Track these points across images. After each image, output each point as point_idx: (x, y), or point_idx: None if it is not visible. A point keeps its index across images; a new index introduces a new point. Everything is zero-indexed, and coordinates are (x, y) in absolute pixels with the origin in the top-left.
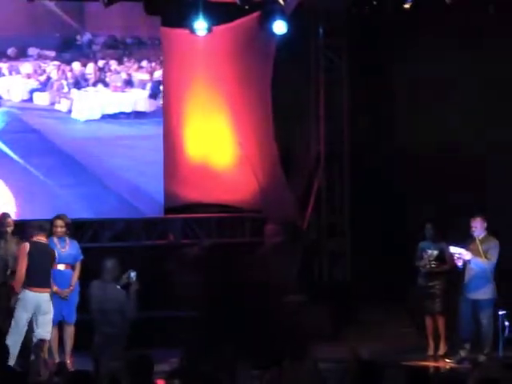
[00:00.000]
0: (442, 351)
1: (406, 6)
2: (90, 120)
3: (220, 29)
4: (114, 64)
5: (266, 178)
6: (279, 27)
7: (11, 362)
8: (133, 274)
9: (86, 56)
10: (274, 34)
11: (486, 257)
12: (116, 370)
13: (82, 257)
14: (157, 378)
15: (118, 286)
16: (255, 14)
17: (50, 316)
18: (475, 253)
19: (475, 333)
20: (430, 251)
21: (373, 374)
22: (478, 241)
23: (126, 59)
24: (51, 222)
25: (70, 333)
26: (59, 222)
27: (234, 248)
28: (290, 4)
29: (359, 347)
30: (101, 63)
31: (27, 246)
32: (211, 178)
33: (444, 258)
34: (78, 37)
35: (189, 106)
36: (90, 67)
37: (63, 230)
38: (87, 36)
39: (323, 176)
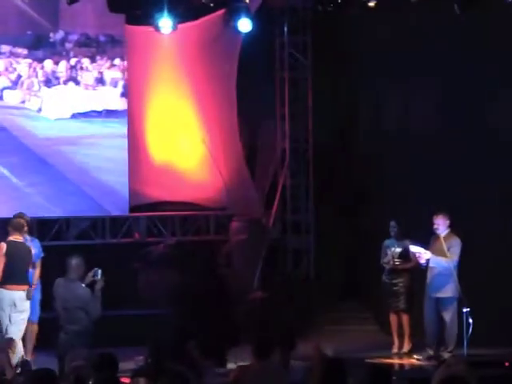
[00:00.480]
0: (406, 348)
1: (371, 4)
2: (60, 118)
3: (185, 26)
4: (86, 62)
5: (230, 175)
6: (244, 25)
7: None
8: (98, 272)
9: (58, 54)
10: (238, 32)
11: (447, 255)
12: (81, 368)
13: (42, 254)
14: (122, 377)
15: (83, 285)
16: (220, 12)
17: (25, 315)
18: (438, 251)
19: (440, 331)
20: (393, 249)
21: (337, 371)
22: (441, 238)
23: (98, 57)
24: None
25: (33, 331)
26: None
27: (197, 246)
28: (255, 2)
29: (323, 345)
30: (73, 61)
31: (3, 246)
32: (176, 176)
33: (408, 255)
34: (51, 34)
35: (153, 105)
36: (62, 65)
37: (25, 228)
38: (60, 34)
39: (288, 174)
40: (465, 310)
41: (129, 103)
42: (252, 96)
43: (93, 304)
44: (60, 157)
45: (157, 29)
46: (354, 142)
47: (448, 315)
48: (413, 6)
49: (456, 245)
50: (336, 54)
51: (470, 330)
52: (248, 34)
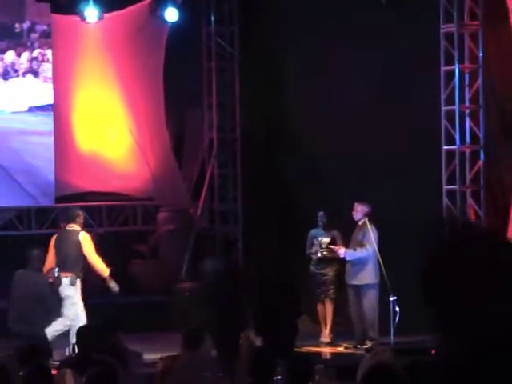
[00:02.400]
0: (328, 338)
1: None
2: (17, 112)
3: (111, 16)
4: (49, 53)
5: (157, 165)
6: (171, 14)
7: None
8: (55, 271)
9: (23, 45)
10: (165, 22)
11: (362, 244)
12: (5, 359)
13: None
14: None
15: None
16: (147, 1)
17: (72, 300)
18: (354, 240)
19: (363, 319)
20: (320, 238)
21: (265, 360)
22: (358, 226)
23: None
24: None
25: None
26: None
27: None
28: None
29: (252, 334)
30: (36, 53)
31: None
32: (103, 167)
33: (336, 245)
34: (17, 25)
35: (80, 95)
36: (24, 56)
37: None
38: (27, 24)
39: (216, 163)
40: (391, 299)
41: (55, 94)
42: (179, 86)
43: (51, 297)
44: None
45: (82, 18)
46: (281, 131)
47: (367, 302)
48: None
49: (369, 232)
50: (263, 44)
51: (397, 318)
52: (175, 24)
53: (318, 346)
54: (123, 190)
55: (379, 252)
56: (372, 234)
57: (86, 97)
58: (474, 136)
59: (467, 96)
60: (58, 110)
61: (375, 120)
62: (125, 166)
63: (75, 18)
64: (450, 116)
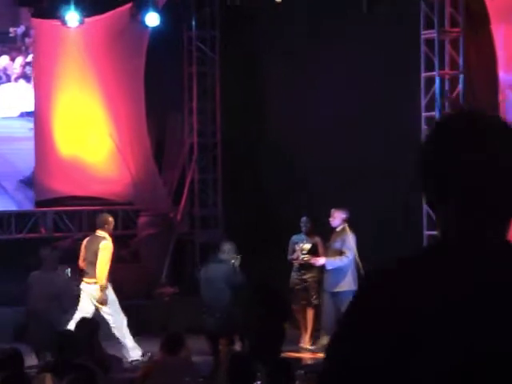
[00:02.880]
0: (308, 344)
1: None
2: (8, 117)
3: (92, 20)
4: None
5: (138, 170)
6: (152, 19)
7: None
8: (68, 271)
9: (17, 50)
10: (146, 26)
11: (343, 251)
12: None
13: None
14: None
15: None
16: (127, 6)
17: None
18: (332, 250)
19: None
20: (301, 244)
21: (245, 366)
22: (335, 232)
23: None
24: None
25: None
26: None
27: None
28: None
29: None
30: (30, 57)
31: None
32: (84, 171)
33: (318, 251)
34: (12, 29)
35: (61, 99)
36: (18, 61)
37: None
38: (21, 29)
39: (196, 168)
40: None
41: (36, 98)
42: (160, 91)
43: (67, 296)
44: None
45: (63, 22)
46: (262, 136)
47: (344, 309)
48: (319, 2)
49: (348, 239)
50: (244, 49)
51: None
52: (156, 29)
53: (298, 351)
54: (104, 194)
55: (360, 258)
56: (352, 240)
57: (66, 101)
58: None
59: (447, 102)
60: (39, 115)
61: (356, 126)
62: (105, 171)
63: (56, 23)
64: (431, 122)
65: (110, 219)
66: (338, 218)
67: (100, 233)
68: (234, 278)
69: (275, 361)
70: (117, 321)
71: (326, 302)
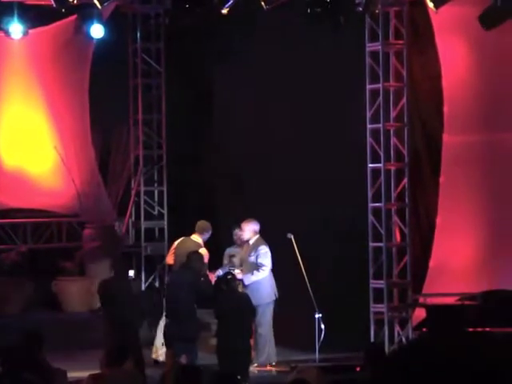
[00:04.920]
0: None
1: (224, 11)
2: None
3: (36, 32)
4: None
5: (83, 182)
6: (96, 31)
7: None
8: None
9: None
10: (91, 38)
11: (257, 266)
12: None
13: None
14: None
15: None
16: (72, 18)
17: None
18: (246, 262)
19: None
20: (231, 258)
21: (190, 378)
22: (249, 245)
23: None
24: None
25: None
26: None
27: None
28: (108, 8)
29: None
30: None
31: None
32: (28, 183)
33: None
34: None
35: (4, 111)
36: None
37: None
38: None
39: (141, 180)
40: (317, 316)
41: None
42: (105, 103)
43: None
44: None
45: (7, 34)
46: (208, 148)
47: (262, 320)
48: (265, 13)
49: (263, 251)
50: (190, 60)
51: (322, 335)
52: (100, 40)
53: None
54: (48, 206)
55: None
56: (264, 253)
57: (10, 113)
58: (399, 154)
59: (392, 114)
60: None
61: (301, 137)
62: (50, 183)
63: None
64: (375, 134)
65: (209, 229)
66: (248, 230)
67: (196, 237)
68: (199, 284)
69: (219, 373)
70: None
71: None
